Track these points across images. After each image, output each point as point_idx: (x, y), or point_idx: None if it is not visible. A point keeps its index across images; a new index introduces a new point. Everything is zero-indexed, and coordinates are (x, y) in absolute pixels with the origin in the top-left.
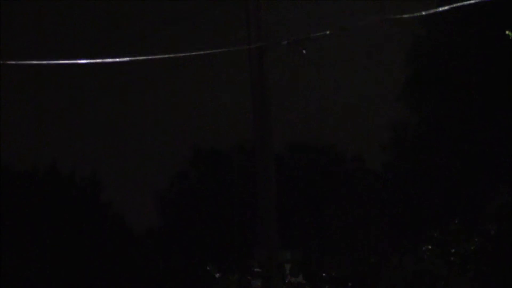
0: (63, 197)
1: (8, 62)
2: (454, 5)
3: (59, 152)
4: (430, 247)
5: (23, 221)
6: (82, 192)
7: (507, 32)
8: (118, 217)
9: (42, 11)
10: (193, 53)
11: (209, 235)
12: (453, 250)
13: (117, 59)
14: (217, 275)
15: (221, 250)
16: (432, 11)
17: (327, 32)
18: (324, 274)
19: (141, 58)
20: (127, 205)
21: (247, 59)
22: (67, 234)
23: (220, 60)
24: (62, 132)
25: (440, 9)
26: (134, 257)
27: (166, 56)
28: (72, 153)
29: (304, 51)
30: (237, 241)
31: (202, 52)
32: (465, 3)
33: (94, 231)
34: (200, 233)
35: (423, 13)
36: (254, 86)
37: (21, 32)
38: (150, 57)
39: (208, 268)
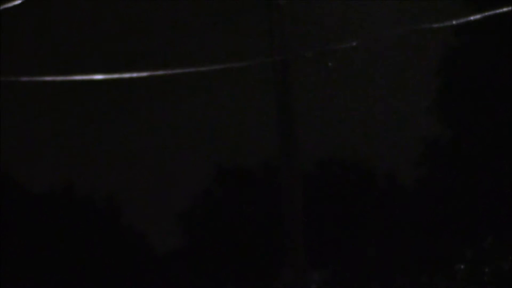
0: (80, 219)
1: (22, 79)
2: (486, 13)
3: (76, 173)
4: (462, 266)
5: (40, 243)
6: (101, 214)
7: None
8: (140, 238)
9: (58, 27)
10: (215, 67)
11: (234, 255)
12: (486, 270)
13: (135, 74)
14: None
15: (246, 270)
16: (463, 20)
17: (354, 44)
18: None
19: (160, 73)
20: (150, 226)
21: (271, 72)
22: (85, 257)
23: (244, 73)
24: (78, 152)
25: (472, 18)
26: (157, 279)
27: (187, 70)
28: (90, 173)
29: (330, 64)
30: (263, 261)
31: (224, 66)
32: (497, 11)
33: (115, 253)
34: (225, 253)
35: (454, 22)
36: (279, 100)
37: (34, 47)
38: (169, 71)
39: None
